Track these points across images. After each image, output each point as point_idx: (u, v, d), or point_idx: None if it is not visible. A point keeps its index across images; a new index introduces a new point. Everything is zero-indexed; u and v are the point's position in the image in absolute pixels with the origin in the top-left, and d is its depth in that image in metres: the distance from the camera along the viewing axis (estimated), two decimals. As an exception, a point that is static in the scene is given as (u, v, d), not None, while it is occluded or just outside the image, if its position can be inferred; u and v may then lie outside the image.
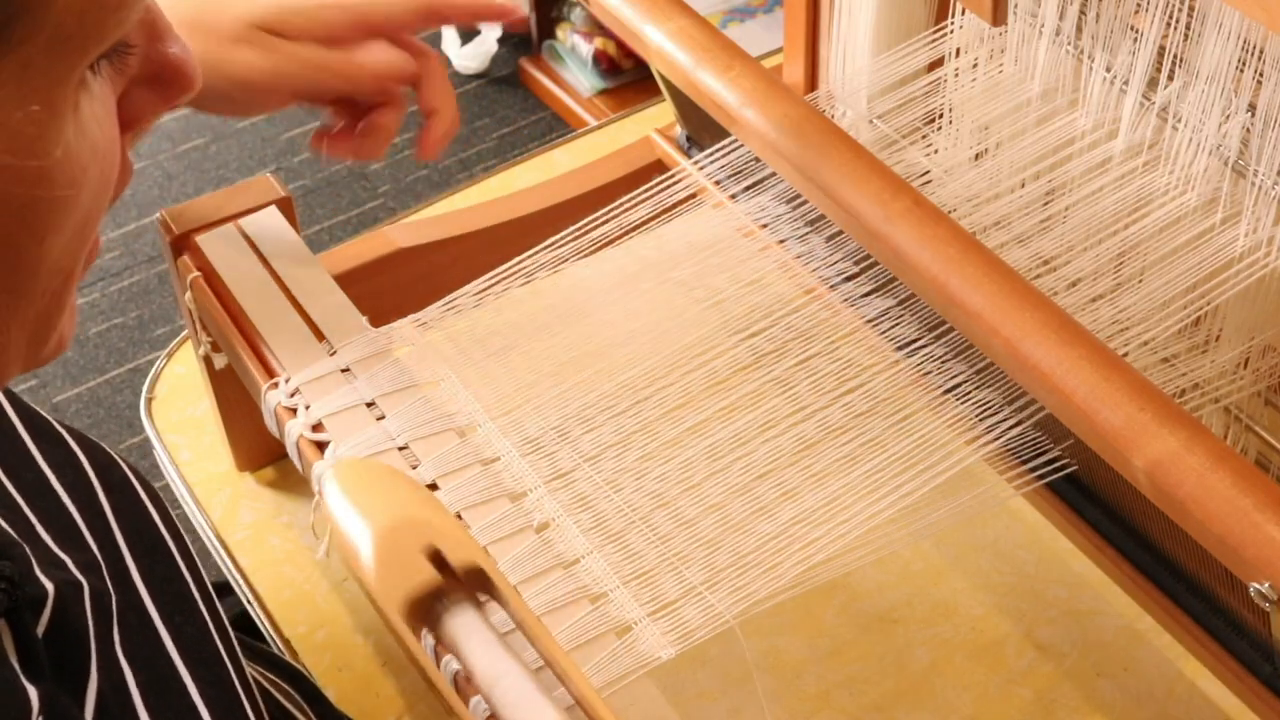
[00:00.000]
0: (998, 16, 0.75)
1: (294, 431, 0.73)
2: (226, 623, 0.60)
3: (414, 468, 0.71)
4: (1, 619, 0.48)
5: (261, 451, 0.92)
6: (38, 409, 0.60)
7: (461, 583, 0.61)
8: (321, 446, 0.72)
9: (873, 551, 0.68)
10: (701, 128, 0.90)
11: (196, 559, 0.61)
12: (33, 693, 0.47)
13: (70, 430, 0.60)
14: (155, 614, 0.55)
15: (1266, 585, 0.58)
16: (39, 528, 0.54)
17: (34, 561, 0.51)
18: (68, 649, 0.50)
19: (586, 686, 0.58)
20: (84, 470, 0.58)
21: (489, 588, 0.61)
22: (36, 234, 0.42)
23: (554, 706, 0.57)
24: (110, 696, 0.50)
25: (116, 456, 0.62)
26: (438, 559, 0.60)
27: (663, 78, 0.90)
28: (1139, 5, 0.72)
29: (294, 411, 0.73)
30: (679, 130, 0.96)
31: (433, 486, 0.70)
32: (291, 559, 0.88)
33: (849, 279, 0.79)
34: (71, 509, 0.56)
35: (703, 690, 0.80)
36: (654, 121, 1.00)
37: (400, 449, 0.72)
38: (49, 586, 0.50)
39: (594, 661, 0.64)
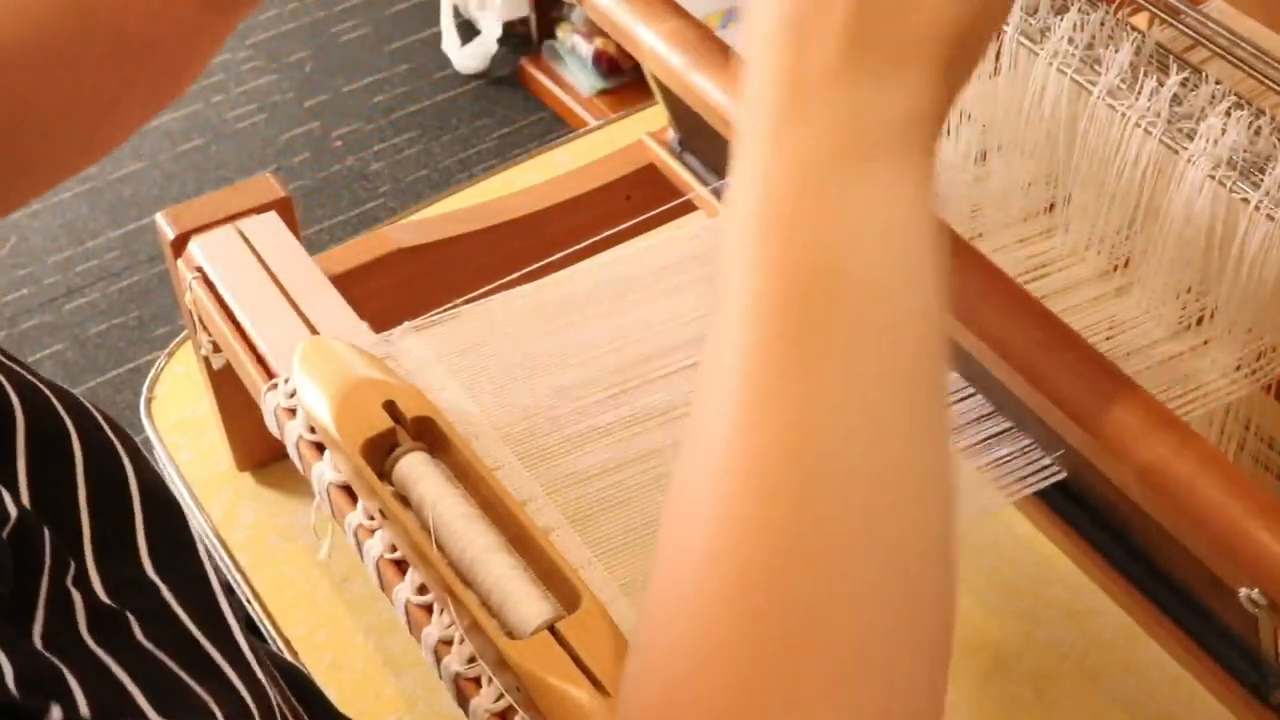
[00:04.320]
0: None
1: (294, 432, 0.73)
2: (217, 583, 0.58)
3: (414, 470, 0.71)
4: None
5: (261, 451, 0.92)
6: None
7: (414, 433, 0.69)
8: (321, 448, 0.72)
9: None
10: (694, 131, 0.90)
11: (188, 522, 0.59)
12: None
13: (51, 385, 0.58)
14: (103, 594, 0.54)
15: (1255, 591, 0.58)
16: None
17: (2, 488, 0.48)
18: (19, 577, 0.47)
19: (530, 524, 0.65)
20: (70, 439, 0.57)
21: (437, 437, 0.68)
22: None
23: (492, 530, 0.64)
24: (59, 629, 0.48)
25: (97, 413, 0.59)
26: (394, 411, 0.68)
27: (656, 80, 0.90)
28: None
29: (294, 412, 0.73)
30: (672, 134, 0.96)
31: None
32: (291, 559, 0.88)
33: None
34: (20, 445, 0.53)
35: (702, 690, 0.80)
36: (655, 121, 1.00)
37: (400, 450, 0.72)
38: (12, 509, 0.48)
39: (593, 663, 0.64)
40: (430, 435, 0.69)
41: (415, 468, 0.67)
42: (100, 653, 0.48)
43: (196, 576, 0.57)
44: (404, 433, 0.68)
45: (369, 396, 0.69)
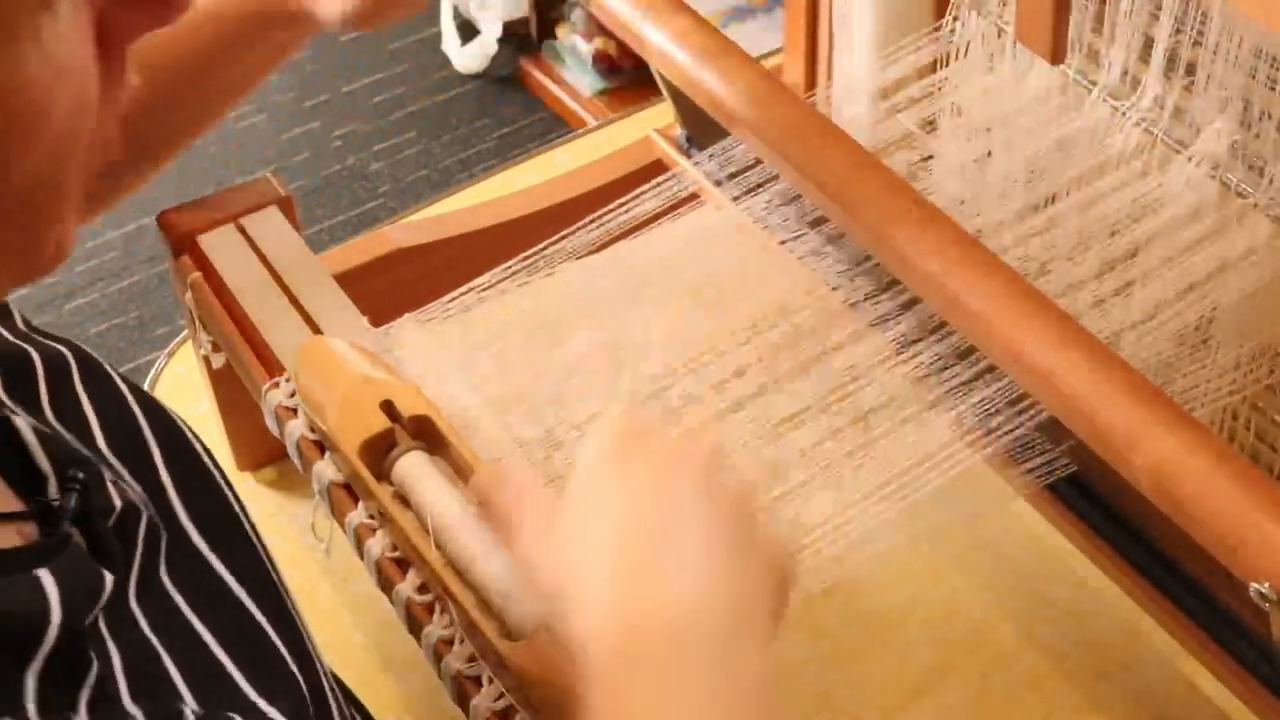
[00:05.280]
0: (1057, 55, 0.75)
1: (294, 431, 0.73)
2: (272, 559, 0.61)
3: (414, 468, 0.71)
4: (74, 526, 0.49)
5: (261, 451, 0.92)
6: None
7: (412, 432, 0.68)
8: (322, 447, 0.72)
9: (874, 552, 0.68)
10: (701, 128, 0.90)
11: (241, 499, 0.62)
12: (108, 578, 0.48)
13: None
14: (203, 544, 0.56)
15: (1266, 585, 0.58)
16: (105, 449, 0.56)
17: (106, 477, 0.52)
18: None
19: None
20: (129, 405, 0.59)
21: (435, 436, 0.68)
22: None
23: (488, 531, 0.62)
24: (161, 615, 0.51)
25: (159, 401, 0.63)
26: (392, 411, 0.68)
27: (663, 78, 0.90)
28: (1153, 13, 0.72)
29: (294, 411, 0.73)
30: (679, 130, 0.96)
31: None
32: (291, 559, 0.88)
33: (850, 280, 0.79)
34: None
35: (703, 690, 0.80)
36: (654, 121, 1.00)
37: (400, 449, 0.72)
38: (118, 501, 0.52)
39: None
40: (429, 434, 0.69)
41: (414, 468, 0.67)
42: (203, 632, 0.52)
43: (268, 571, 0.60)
44: (403, 432, 0.68)
45: (367, 396, 0.69)
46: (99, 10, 0.44)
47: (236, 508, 0.60)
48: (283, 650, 0.54)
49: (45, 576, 0.45)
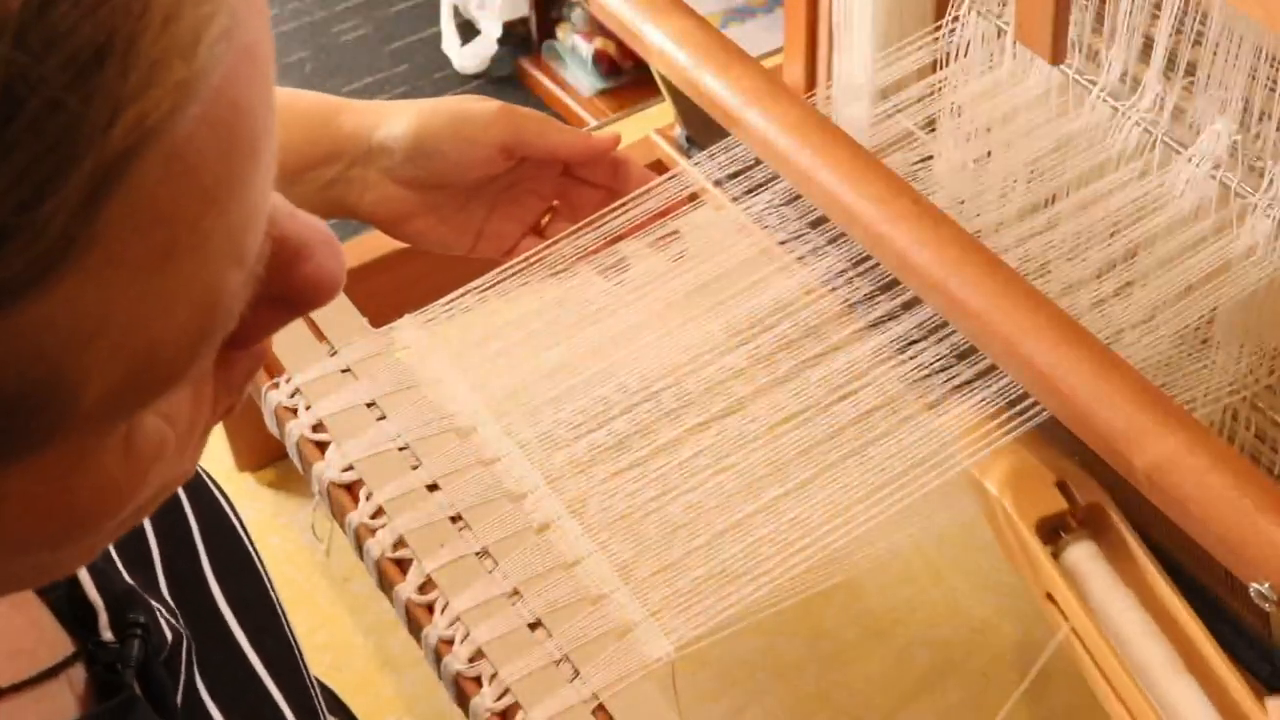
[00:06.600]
0: (1057, 55, 0.75)
1: (294, 432, 0.73)
2: (297, 639, 0.60)
3: (414, 468, 0.71)
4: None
5: (261, 451, 0.92)
6: None
7: (1083, 518, 0.68)
8: (322, 447, 0.72)
9: (873, 552, 0.68)
10: (702, 128, 0.90)
11: (268, 570, 0.60)
12: None
13: None
14: (242, 638, 0.54)
15: (1266, 585, 0.58)
16: (118, 562, 0.52)
17: (156, 610, 0.49)
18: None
19: (1199, 637, 0.63)
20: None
21: (1109, 529, 0.67)
22: (86, 529, 0.35)
23: (1169, 648, 0.62)
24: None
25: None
26: (1067, 493, 0.68)
27: (663, 78, 0.90)
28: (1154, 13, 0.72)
29: (294, 412, 0.73)
30: (679, 130, 0.96)
31: (433, 487, 0.70)
32: (291, 559, 0.88)
33: (850, 280, 0.79)
34: (151, 539, 0.54)
35: (703, 690, 0.80)
36: (654, 121, 1.00)
37: (400, 449, 0.72)
38: (169, 635, 0.49)
39: (594, 662, 0.64)
40: (1099, 523, 0.68)
41: (1084, 560, 0.67)
42: None
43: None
44: (1075, 517, 0.68)
45: (1043, 472, 0.70)
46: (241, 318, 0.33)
47: (266, 583, 0.58)
48: None
49: None
